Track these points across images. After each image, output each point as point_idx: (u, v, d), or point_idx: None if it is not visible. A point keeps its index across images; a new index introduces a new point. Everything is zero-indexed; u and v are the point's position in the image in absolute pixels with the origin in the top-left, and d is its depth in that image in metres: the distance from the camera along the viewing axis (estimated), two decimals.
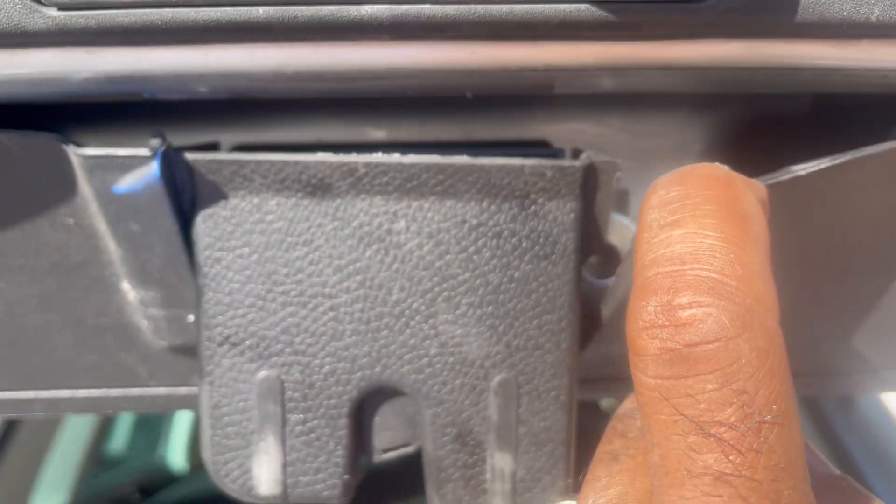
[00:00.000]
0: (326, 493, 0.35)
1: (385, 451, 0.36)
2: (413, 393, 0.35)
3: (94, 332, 0.39)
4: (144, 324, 0.38)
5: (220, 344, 0.34)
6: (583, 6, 0.26)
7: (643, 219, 0.23)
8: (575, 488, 0.35)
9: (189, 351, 0.39)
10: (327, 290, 0.33)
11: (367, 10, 0.26)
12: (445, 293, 0.33)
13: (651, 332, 0.21)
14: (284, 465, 0.34)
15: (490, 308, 0.34)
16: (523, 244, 0.33)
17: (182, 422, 2.55)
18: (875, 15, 0.27)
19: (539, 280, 0.34)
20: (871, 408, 1.28)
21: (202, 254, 0.33)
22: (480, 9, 0.26)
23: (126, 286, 0.36)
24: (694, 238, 0.21)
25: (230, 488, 0.35)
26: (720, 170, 0.24)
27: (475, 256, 0.33)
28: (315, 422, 0.34)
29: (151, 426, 2.51)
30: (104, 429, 1.72)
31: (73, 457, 1.54)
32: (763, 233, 0.23)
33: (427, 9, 0.26)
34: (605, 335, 0.39)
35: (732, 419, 0.19)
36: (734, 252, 0.21)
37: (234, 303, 0.33)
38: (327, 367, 0.34)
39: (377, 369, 0.34)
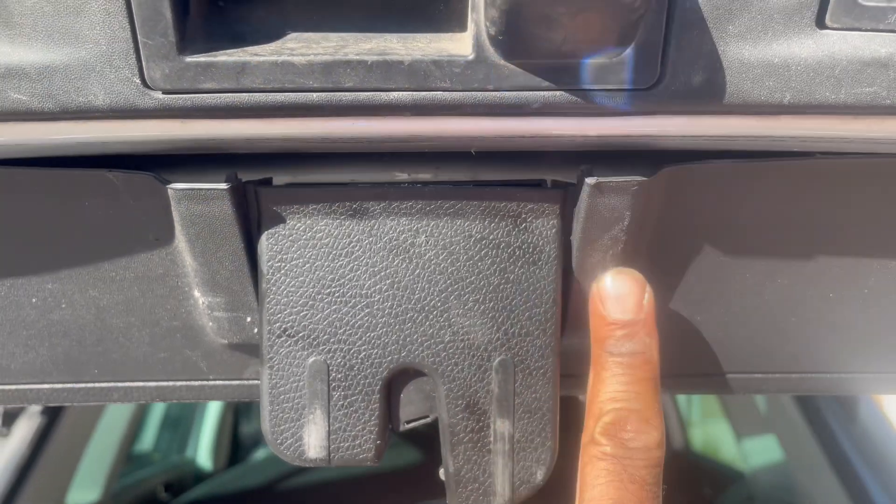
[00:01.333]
0: (362, 456, 0.43)
1: (408, 421, 0.44)
2: (431, 372, 0.43)
3: (167, 332, 0.47)
4: (209, 325, 0.46)
5: (279, 336, 0.42)
6: (558, 93, 0.34)
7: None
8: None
9: (244, 348, 0.48)
10: (364, 291, 0.42)
11: (394, 95, 0.34)
12: (456, 292, 0.42)
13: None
14: (329, 433, 0.42)
15: (491, 304, 0.42)
16: (517, 253, 0.42)
17: (209, 423, 2.63)
18: (787, 98, 0.33)
19: (529, 281, 0.42)
20: (869, 413, 1.31)
21: (266, 264, 0.41)
22: (479, 95, 0.34)
23: (197, 293, 0.44)
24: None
25: (285, 454, 0.43)
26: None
27: (479, 263, 0.42)
28: (354, 397, 0.42)
29: (179, 426, 2.59)
30: (135, 428, 1.79)
31: (107, 454, 1.61)
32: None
33: (440, 95, 0.34)
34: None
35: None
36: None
37: (290, 302, 0.41)
38: (363, 352, 0.42)
39: (403, 353, 0.42)
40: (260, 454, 2.55)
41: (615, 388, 0.38)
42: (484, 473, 0.43)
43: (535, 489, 0.44)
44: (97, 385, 0.50)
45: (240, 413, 3.19)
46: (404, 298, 0.42)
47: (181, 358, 0.49)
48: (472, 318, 0.42)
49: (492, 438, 0.43)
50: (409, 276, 0.42)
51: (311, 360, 0.42)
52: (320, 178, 0.43)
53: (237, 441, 2.94)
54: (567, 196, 0.42)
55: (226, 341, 0.47)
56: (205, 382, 0.51)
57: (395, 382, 0.44)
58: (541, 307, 0.43)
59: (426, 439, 2.92)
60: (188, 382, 0.51)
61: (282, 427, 0.43)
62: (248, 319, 0.45)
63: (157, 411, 2.47)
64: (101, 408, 1.46)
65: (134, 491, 1.95)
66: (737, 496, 1.77)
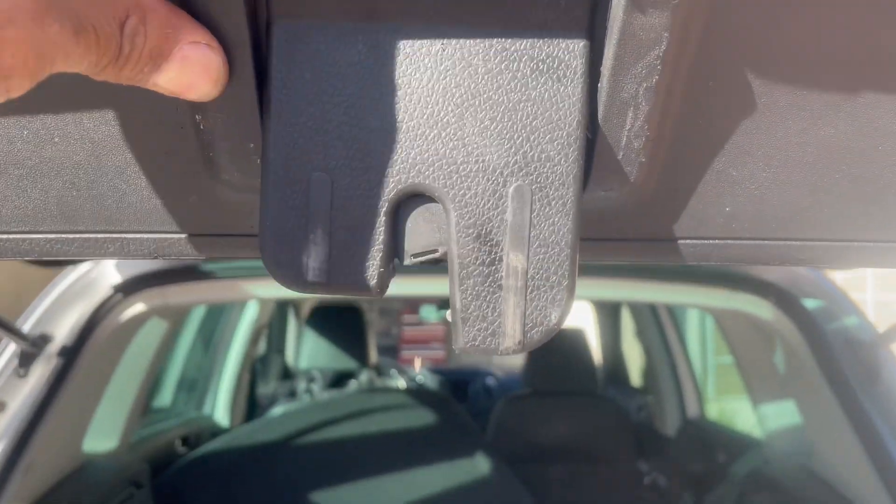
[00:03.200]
0: (364, 284, 0.40)
1: (415, 255, 0.41)
2: (441, 197, 0.39)
3: (165, 174, 0.45)
4: (210, 158, 0.43)
5: (283, 149, 0.39)
6: None
7: None
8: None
9: (247, 194, 0.45)
10: (374, 103, 0.39)
11: None
12: (473, 108, 0.39)
13: None
14: (330, 256, 0.39)
15: (510, 122, 0.39)
16: (540, 67, 0.39)
17: (226, 382, 2.66)
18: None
19: (553, 99, 0.39)
20: (892, 373, 1.28)
21: (274, 69, 0.38)
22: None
23: (198, 117, 0.41)
24: None
25: (282, 276, 0.40)
26: None
27: (498, 77, 0.39)
28: (359, 219, 0.39)
29: (196, 385, 2.61)
30: (151, 380, 1.80)
31: (123, 405, 1.63)
32: None
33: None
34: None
35: None
36: None
37: (297, 111, 0.39)
38: (372, 169, 0.39)
39: (412, 173, 0.39)
40: (276, 410, 2.57)
41: None
42: (493, 311, 0.40)
43: (550, 333, 0.40)
44: (92, 235, 0.47)
45: (257, 374, 3.22)
46: (416, 112, 0.39)
47: (183, 206, 0.46)
48: (489, 138, 0.39)
49: (504, 273, 0.40)
50: (423, 87, 0.39)
51: (315, 175, 0.39)
52: None
53: (254, 401, 2.97)
54: (598, 8, 0.38)
55: (227, 178, 0.44)
56: (204, 236, 0.48)
57: (404, 209, 0.40)
58: (564, 129, 0.39)
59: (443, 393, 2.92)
60: (187, 235, 0.48)
61: (280, 247, 0.39)
62: (252, 146, 0.42)
63: (175, 370, 2.49)
64: (119, 352, 1.46)
65: (151, 443, 1.97)
66: (753, 461, 1.76)
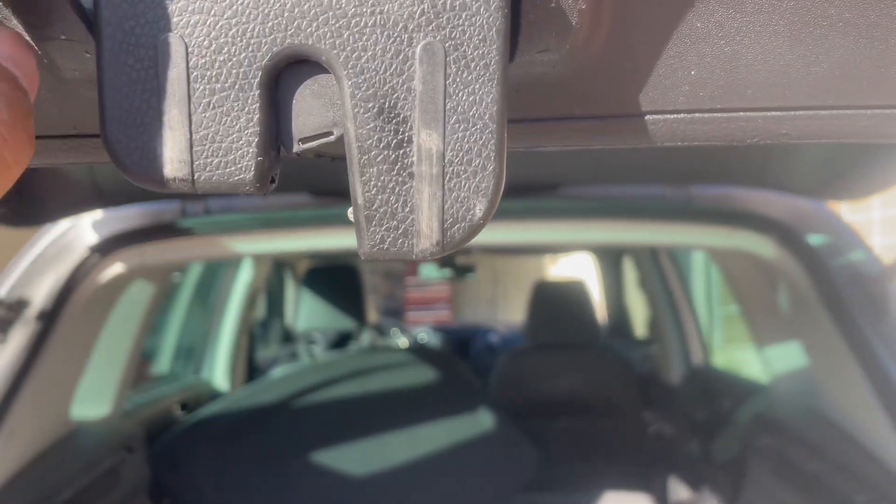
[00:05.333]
0: (238, 178, 0.32)
1: (304, 139, 0.33)
2: (331, 62, 0.31)
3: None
4: (43, 61, 0.35)
5: (117, 4, 0.31)
6: None
7: None
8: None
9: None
10: None
11: None
12: None
13: None
14: (191, 143, 0.32)
15: None
16: None
17: (223, 346, 2.63)
18: None
19: None
20: None
21: None
22: None
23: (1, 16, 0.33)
24: None
25: (131, 171, 0.32)
26: None
27: None
28: (224, 93, 0.31)
29: (193, 352, 2.59)
30: (141, 343, 1.77)
31: (113, 368, 1.60)
32: None
33: None
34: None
35: None
36: None
37: None
38: (235, 27, 0.31)
39: (290, 31, 0.31)
40: (276, 373, 2.55)
41: None
42: (404, 206, 0.33)
43: (475, 230, 0.33)
44: None
45: (257, 337, 3.20)
46: None
47: (46, 110, 0.38)
48: None
49: (414, 158, 0.32)
50: None
51: (163, 37, 0.31)
52: None
53: (253, 365, 2.96)
54: None
55: (70, 75, 0.36)
56: (56, 138, 0.40)
57: (286, 81, 0.32)
58: None
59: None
60: (48, 141, 0.40)
61: (127, 132, 0.31)
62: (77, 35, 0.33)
63: (172, 336, 2.47)
64: (101, 316, 1.43)
65: (148, 409, 1.95)
66: (757, 405, 1.73)
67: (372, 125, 0.32)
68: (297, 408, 2.08)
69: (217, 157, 0.32)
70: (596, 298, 3.05)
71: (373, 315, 3.64)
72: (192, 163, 0.32)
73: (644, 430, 2.49)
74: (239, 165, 0.32)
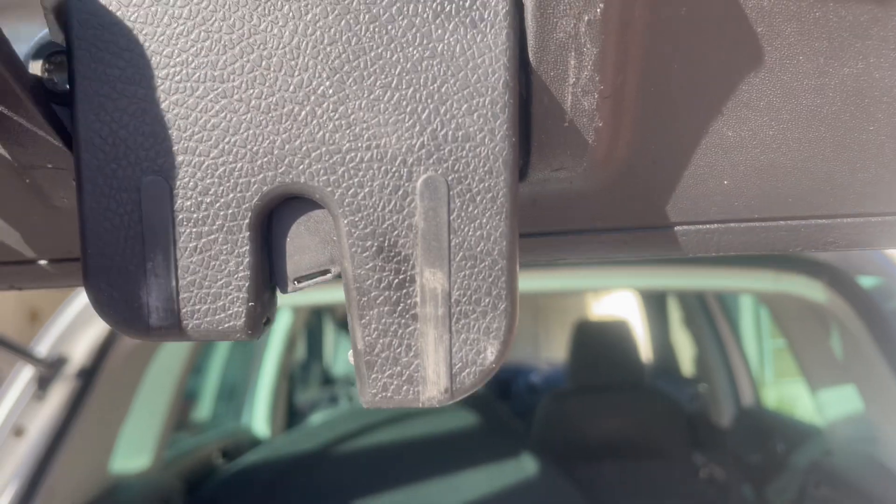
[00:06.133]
0: (228, 325, 0.30)
1: (299, 279, 0.31)
2: (325, 199, 0.30)
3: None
4: (33, 190, 0.34)
5: (98, 147, 0.29)
6: None
7: None
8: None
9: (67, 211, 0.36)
10: (216, 73, 0.29)
11: None
12: (357, 73, 0.29)
13: None
14: (177, 290, 0.30)
15: (410, 90, 0.29)
16: (447, 8, 0.28)
17: (263, 390, 2.64)
18: None
19: (467, 54, 0.29)
20: None
21: (75, 43, 0.28)
22: None
23: None
24: None
25: (114, 321, 0.30)
26: None
27: (389, 26, 0.28)
28: (211, 236, 0.30)
29: (234, 395, 2.60)
30: (182, 392, 1.78)
31: (154, 420, 1.60)
32: None
33: None
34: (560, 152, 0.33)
35: None
36: None
37: (112, 95, 0.29)
38: (221, 167, 0.29)
39: (281, 169, 0.29)
40: (315, 418, 2.53)
41: None
42: (408, 351, 0.30)
43: (486, 375, 0.31)
44: None
45: (295, 380, 3.20)
46: (279, 83, 0.28)
47: (20, 234, 0.38)
48: (383, 114, 0.29)
49: (418, 299, 0.30)
50: (285, 47, 0.28)
51: (145, 180, 0.29)
52: None
53: (293, 408, 2.95)
54: None
55: (58, 202, 0.35)
56: (54, 262, 0.38)
57: (278, 219, 0.31)
58: (486, 95, 0.28)
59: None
60: (32, 264, 0.39)
61: (108, 280, 0.30)
62: (64, 165, 0.33)
63: (212, 382, 2.48)
64: (140, 370, 1.43)
65: (189, 458, 1.95)
66: (814, 451, 1.65)
67: (371, 264, 0.30)
68: (338, 455, 2.06)
69: (205, 303, 0.30)
70: (640, 337, 2.99)
71: None
72: (179, 311, 0.30)
73: (694, 474, 2.40)
74: (229, 312, 0.30)
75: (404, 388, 0.31)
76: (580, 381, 2.51)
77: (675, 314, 3.30)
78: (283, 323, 2.67)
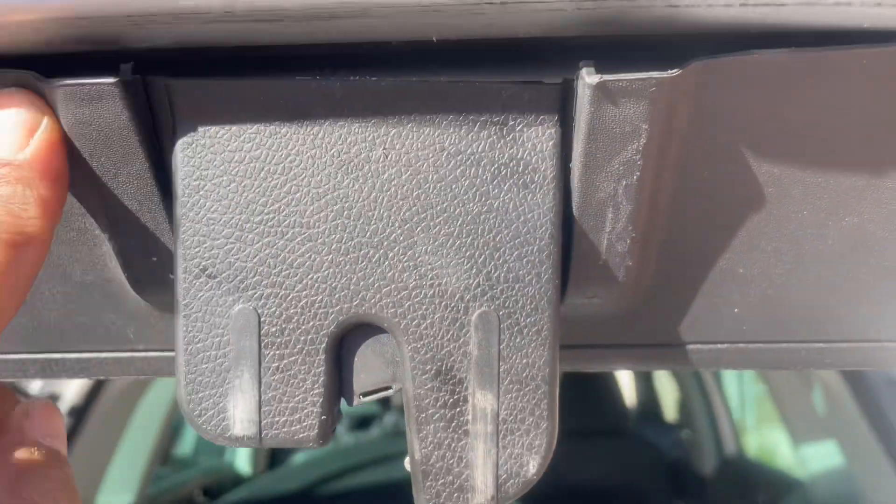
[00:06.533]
0: (303, 435, 0.35)
1: (364, 394, 0.36)
2: (392, 328, 0.34)
3: (82, 289, 0.40)
4: (126, 276, 0.38)
5: (197, 276, 0.34)
6: None
7: None
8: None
9: (169, 307, 0.39)
10: (305, 220, 0.33)
11: None
12: (424, 223, 0.34)
13: None
14: (259, 404, 0.34)
15: (469, 238, 0.34)
16: (503, 172, 0.33)
17: None
18: None
19: (519, 210, 0.33)
20: None
21: (181, 184, 0.33)
22: None
23: (106, 235, 0.37)
24: None
25: (203, 429, 0.35)
26: None
27: (454, 185, 0.33)
28: (292, 358, 0.34)
29: None
30: (169, 430, 1.77)
31: (139, 457, 1.60)
32: None
33: None
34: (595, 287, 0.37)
35: None
36: None
37: (211, 233, 0.34)
38: (305, 299, 0.34)
39: (355, 302, 0.34)
40: (298, 458, 2.52)
41: None
42: (460, 462, 0.34)
43: (528, 485, 0.35)
44: (8, 357, 0.42)
45: None
46: (357, 230, 0.33)
47: (103, 323, 0.41)
48: (445, 258, 0.34)
49: (470, 417, 0.34)
50: (364, 201, 0.33)
51: (236, 308, 0.34)
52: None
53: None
54: (568, 97, 0.33)
55: (147, 298, 0.39)
56: (134, 353, 0.43)
57: (347, 343, 0.35)
58: (534, 244, 0.33)
59: None
60: (114, 354, 0.42)
61: (200, 395, 0.34)
62: (156, 260, 0.37)
63: None
64: (131, 408, 1.44)
65: (170, 495, 1.93)
66: None
67: (429, 385, 0.34)
68: (321, 496, 2.05)
69: (283, 416, 0.34)
70: (624, 381, 3.01)
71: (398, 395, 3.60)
72: (260, 422, 0.34)
73: None
74: (304, 424, 0.34)
75: (455, 495, 0.35)
76: (562, 425, 2.51)
77: None
78: None
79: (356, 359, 0.35)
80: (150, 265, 0.37)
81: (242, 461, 2.54)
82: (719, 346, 0.41)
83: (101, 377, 0.43)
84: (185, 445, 2.43)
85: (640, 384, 3.60)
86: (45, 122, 0.31)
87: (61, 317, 0.41)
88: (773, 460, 2.52)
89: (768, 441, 2.70)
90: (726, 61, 0.30)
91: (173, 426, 2.29)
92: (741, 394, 3.37)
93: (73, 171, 0.33)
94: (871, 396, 1.25)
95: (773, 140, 0.34)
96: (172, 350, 0.40)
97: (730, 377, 3.15)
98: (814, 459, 1.63)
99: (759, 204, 0.36)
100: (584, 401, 2.53)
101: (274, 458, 2.82)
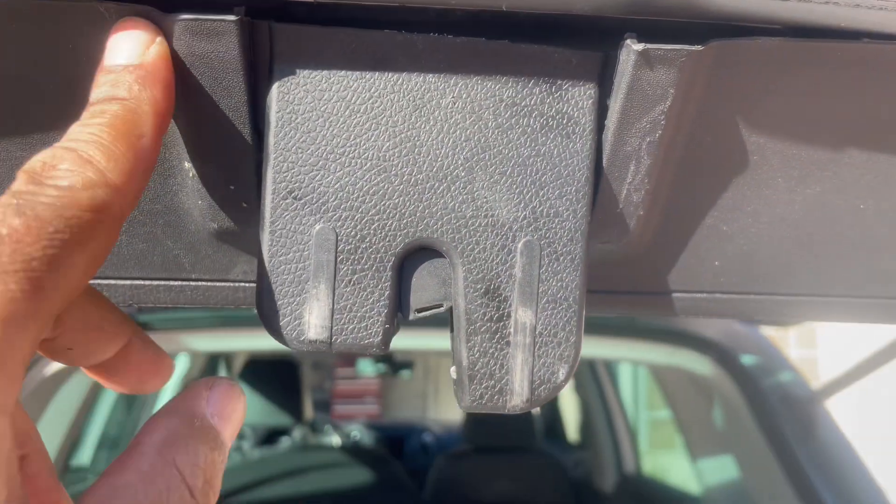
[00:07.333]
0: (368, 341, 0.39)
1: (419, 310, 0.40)
2: (449, 251, 0.39)
3: (146, 217, 0.43)
4: (198, 205, 0.41)
5: (284, 198, 0.38)
6: None
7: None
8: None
9: (232, 240, 0.44)
10: (381, 154, 0.38)
11: None
12: (483, 162, 0.39)
13: None
14: (332, 312, 0.38)
15: (519, 177, 0.39)
16: (550, 123, 0.39)
17: None
18: None
19: (562, 155, 0.39)
20: (827, 428, 1.31)
21: (275, 115, 0.37)
22: None
23: (187, 165, 0.40)
24: None
25: (281, 334, 0.38)
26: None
27: (509, 131, 0.39)
28: (363, 273, 0.38)
29: (119, 445, 2.48)
30: (72, 441, 1.70)
31: None
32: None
33: None
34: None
35: None
36: None
37: (299, 160, 0.38)
38: (377, 222, 0.38)
39: (420, 227, 0.38)
40: None
41: (74, 132, 0.30)
42: (501, 369, 0.39)
43: (557, 390, 0.40)
44: None
45: None
46: (425, 165, 0.38)
47: (161, 251, 0.44)
48: (498, 193, 0.39)
49: (511, 330, 0.39)
50: (433, 140, 0.38)
51: (317, 227, 0.38)
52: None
53: None
54: (607, 65, 0.39)
55: (215, 226, 0.42)
56: (185, 282, 0.46)
57: (409, 263, 0.39)
58: (573, 185, 0.39)
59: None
60: (167, 282, 0.45)
61: (279, 302, 0.38)
62: (244, 205, 0.41)
63: (96, 427, 2.36)
64: (37, 412, 1.38)
65: None
66: None
67: (479, 302, 0.39)
68: None
69: (353, 323, 0.38)
70: None
71: (310, 411, 3.55)
72: (331, 328, 0.38)
73: None
74: (370, 331, 0.39)
75: (496, 397, 0.39)
76: (474, 441, 2.56)
77: None
78: (179, 370, 2.59)
79: (414, 279, 0.39)
80: (227, 193, 0.41)
81: None
82: (699, 294, 0.48)
83: (150, 304, 0.44)
84: (84, 455, 2.32)
85: (545, 405, 3.69)
86: (159, 39, 0.34)
87: (120, 243, 0.43)
88: (669, 476, 2.64)
89: (660, 463, 2.83)
90: (737, 43, 0.36)
91: (76, 435, 2.19)
92: (636, 419, 3.51)
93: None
94: (768, 411, 1.34)
95: (764, 114, 0.40)
96: (225, 280, 0.46)
97: (627, 403, 3.28)
98: (710, 473, 1.72)
99: (744, 169, 0.42)
100: (494, 419, 2.58)
101: None
